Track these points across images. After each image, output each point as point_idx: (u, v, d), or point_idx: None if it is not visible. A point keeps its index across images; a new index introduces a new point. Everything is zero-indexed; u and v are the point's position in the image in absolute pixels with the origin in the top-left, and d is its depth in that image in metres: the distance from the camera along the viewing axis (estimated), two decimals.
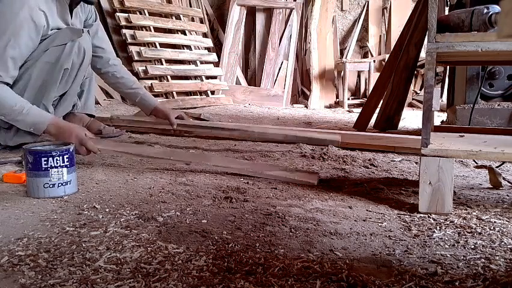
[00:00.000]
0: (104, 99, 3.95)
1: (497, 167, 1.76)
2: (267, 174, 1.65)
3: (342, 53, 5.54)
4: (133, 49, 4.07)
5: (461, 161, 1.99)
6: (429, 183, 1.27)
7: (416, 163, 1.97)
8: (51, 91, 1.96)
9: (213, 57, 4.89)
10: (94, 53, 2.14)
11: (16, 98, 1.78)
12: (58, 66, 1.91)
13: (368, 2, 5.52)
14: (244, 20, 5.13)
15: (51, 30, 1.90)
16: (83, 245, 1.01)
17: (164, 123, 2.31)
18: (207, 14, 5.30)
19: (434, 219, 1.24)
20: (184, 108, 4.02)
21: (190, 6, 5.08)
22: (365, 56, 5.58)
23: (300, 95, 5.27)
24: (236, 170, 1.70)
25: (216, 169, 1.73)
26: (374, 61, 5.14)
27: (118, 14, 4.11)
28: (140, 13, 4.31)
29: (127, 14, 4.14)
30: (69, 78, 2.00)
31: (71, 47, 1.91)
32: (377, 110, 3.09)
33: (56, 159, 1.37)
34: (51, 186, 1.37)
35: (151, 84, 4.05)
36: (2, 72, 1.78)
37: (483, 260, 0.98)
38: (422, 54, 3.15)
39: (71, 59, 1.93)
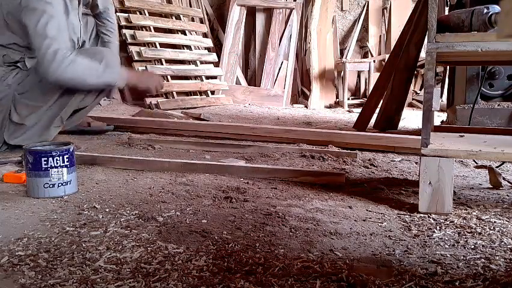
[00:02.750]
0: (104, 99, 3.95)
1: (497, 167, 1.76)
2: (295, 180, 1.64)
3: (342, 53, 5.54)
4: (133, 49, 4.07)
5: (461, 161, 1.99)
6: (429, 183, 1.27)
7: (416, 163, 1.97)
8: (71, 105, 2.03)
9: (213, 57, 4.89)
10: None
11: (86, 60, 1.88)
12: None
13: (368, 2, 5.52)
14: (244, 20, 5.13)
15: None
16: (83, 245, 1.01)
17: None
18: (207, 14, 5.30)
19: (434, 219, 1.24)
20: (184, 108, 4.03)
21: (190, 6, 5.08)
22: (365, 56, 5.59)
23: (300, 95, 5.27)
24: (265, 175, 1.68)
25: (240, 174, 1.70)
26: (374, 61, 5.14)
27: (118, 14, 4.11)
28: (140, 13, 4.31)
29: (127, 14, 4.14)
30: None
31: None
32: (377, 110, 3.09)
33: (56, 159, 1.37)
34: (51, 186, 1.37)
35: None
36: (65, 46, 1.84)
37: (483, 260, 0.98)
38: (422, 54, 3.15)
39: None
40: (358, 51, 5.63)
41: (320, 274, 0.89)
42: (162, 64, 4.25)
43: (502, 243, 1.07)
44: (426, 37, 1.30)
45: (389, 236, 1.12)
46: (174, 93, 4.23)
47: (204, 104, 4.45)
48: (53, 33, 1.80)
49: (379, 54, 5.44)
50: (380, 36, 5.50)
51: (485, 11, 1.26)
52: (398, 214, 1.29)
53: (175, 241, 1.05)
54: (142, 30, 4.24)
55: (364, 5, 5.57)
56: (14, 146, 1.99)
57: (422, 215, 1.27)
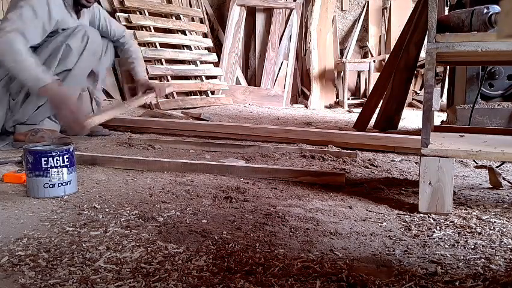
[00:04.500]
0: (105, 99, 3.95)
1: (497, 167, 1.76)
2: (295, 180, 1.64)
3: (342, 53, 5.54)
4: None
5: (461, 161, 1.99)
6: (429, 183, 1.27)
7: (416, 163, 1.97)
8: (51, 64, 2.10)
9: (213, 57, 4.89)
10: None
11: (27, 50, 1.94)
12: (62, 42, 2.12)
13: (368, 2, 5.52)
14: (244, 20, 5.13)
15: (63, 28, 2.14)
16: (83, 245, 1.01)
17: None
18: (207, 14, 5.30)
19: (434, 219, 1.24)
20: (184, 108, 4.02)
21: (190, 6, 5.08)
22: (365, 56, 5.59)
23: (300, 95, 5.27)
24: (265, 175, 1.68)
25: (240, 174, 1.70)
26: (374, 61, 5.14)
27: (118, 14, 4.11)
28: (140, 13, 4.31)
29: (127, 14, 4.14)
30: (71, 57, 2.14)
31: (77, 32, 2.15)
32: (377, 110, 3.09)
33: (56, 159, 1.37)
34: (51, 186, 1.37)
35: None
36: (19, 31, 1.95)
37: (483, 260, 0.98)
38: (422, 54, 3.15)
39: (74, 39, 2.13)
40: (358, 51, 5.63)
41: (319, 274, 0.89)
42: (162, 64, 4.25)
43: (502, 243, 1.07)
44: (426, 37, 1.30)
45: (389, 236, 1.12)
46: (174, 93, 4.23)
47: (204, 104, 4.45)
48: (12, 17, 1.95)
49: (379, 54, 5.44)
50: (380, 36, 5.50)
51: (485, 11, 1.26)
52: (398, 214, 1.29)
53: (175, 241, 1.05)
54: (142, 30, 4.24)
55: (364, 5, 5.57)
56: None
57: (422, 215, 1.27)
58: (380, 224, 1.20)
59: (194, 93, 4.56)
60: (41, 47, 2.10)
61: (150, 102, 3.97)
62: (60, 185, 1.38)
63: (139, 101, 2.48)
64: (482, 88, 2.60)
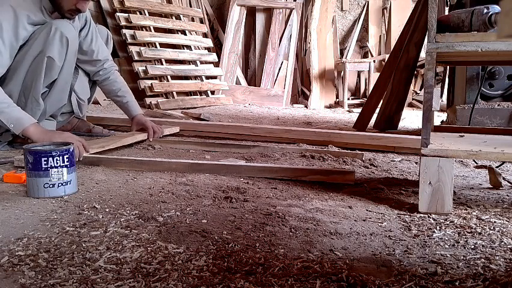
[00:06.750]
0: (104, 99, 3.95)
1: (497, 167, 1.76)
2: (304, 179, 1.63)
3: (342, 53, 5.54)
4: (133, 49, 4.08)
5: (461, 161, 1.99)
6: (429, 183, 1.27)
7: (416, 163, 1.97)
8: (37, 82, 1.97)
9: (213, 57, 4.89)
10: (84, 56, 2.20)
11: (2, 93, 1.79)
12: (42, 55, 1.93)
13: (368, 2, 5.53)
14: (244, 20, 5.14)
15: (36, 26, 1.93)
16: (83, 245, 1.01)
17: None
18: (207, 14, 5.30)
19: (434, 219, 1.24)
20: (184, 108, 4.03)
21: (190, 6, 5.08)
22: (365, 56, 5.59)
23: (300, 95, 5.27)
24: (272, 174, 1.67)
25: (247, 174, 1.69)
26: (374, 61, 5.14)
27: (118, 14, 4.11)
28: (140, 13, 4.31)
29: (127, 14, 4.14)
30: (54, 68, 1.99)
31: (54, 36, 1.92)
32: (377, 110, 3.09)
33: (56, 159, 1.37)
34: (51, 186, 1.37)
35: (151, 84, 4.05)
36: None
37: (483, 260, 0.98)
38: (422, 54, 3.15)
39: (54, 47, 1.93)
40: (358, 51, 5.63)
41: (319, 274, 0.89)
42: (162, 64, 4.26)
43: (502, 243, 1.07)
44: (426, 37, 1.30)
45: (389, 236, 1.12)
46: (174, 93, 4.23)
47: (204, 104, 4.45)
48: None
49: (379, 54, 5.44)
50: (380, 36, 5.51)
51: (485, 11, 1.26)
52: (398, 214, 1.29)
53: (175, 241, 1.05)
54: (142, 30, 4.24)
55: (364, 5, 5.57)
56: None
57: (422, 215, 1.27)
58: (380, 224, 1.20)
59: (194, 93, 4.56)
60: (16, 64, 1.92)
61: (150, 102, 3.99)
62: (60, 185, 1.38)
63: (134, 137, 2.23)
64: (482, 88, 2.60)
